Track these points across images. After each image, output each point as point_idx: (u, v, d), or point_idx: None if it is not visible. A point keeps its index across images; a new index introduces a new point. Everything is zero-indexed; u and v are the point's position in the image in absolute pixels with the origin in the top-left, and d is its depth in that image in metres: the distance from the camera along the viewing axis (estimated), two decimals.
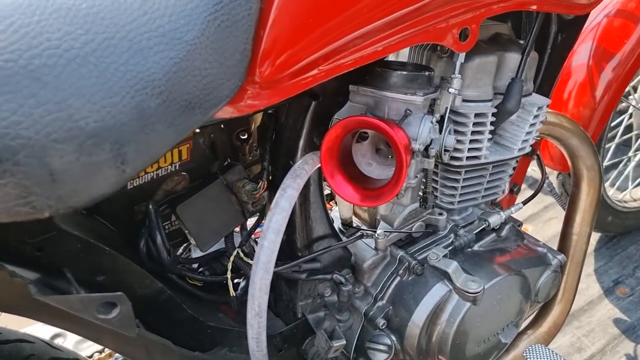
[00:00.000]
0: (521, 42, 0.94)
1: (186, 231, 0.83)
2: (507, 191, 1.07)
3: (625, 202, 1.65)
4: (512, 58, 0.89)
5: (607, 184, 1.66)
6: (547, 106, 0.96)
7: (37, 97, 0.43)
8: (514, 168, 1.04)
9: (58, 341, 1.16)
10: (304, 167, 0.70)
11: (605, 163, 1.58)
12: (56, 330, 1.44)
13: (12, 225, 0.48)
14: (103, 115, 0.46)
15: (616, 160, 1.63)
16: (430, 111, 0.80)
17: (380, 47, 0.66)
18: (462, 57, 0.78)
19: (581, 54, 1.27)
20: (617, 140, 1.57)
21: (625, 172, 1.70)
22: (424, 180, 0.85)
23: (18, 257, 0.60)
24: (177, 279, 0.84)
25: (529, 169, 1.25)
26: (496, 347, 0.95)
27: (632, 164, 1.71)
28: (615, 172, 1.69)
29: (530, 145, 0.99)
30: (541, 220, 1.74)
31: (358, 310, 0.90)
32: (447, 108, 0.81)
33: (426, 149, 0.78)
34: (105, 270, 0.67)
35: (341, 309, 0.87)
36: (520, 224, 1.03)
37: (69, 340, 1.29)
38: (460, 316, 0.85)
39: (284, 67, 0.59)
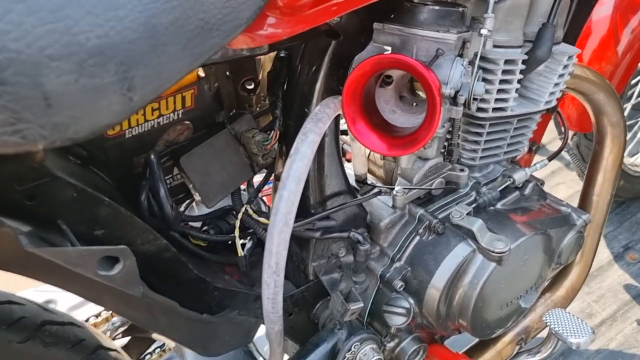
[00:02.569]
0: None
1: (190, 185, 0.76)
2: (526, 149, 1.01)
3: (637, 166, 1.61)
4: (544, 2, 0.82)
5: None
6: (576, 56, 0.89)
7: (29, 2, 0.36)
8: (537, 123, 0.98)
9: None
10: (325, 111, 0.63)
11: None
12: (47, 296, 1.37)
13: None
14: (107, 30, 0.39)
15: (630, 122, 1.58)
16: (461, 54, 0.73)
17: None
18: None
19: (605, 5, 1.20)
20: (632, 101, 1.51)
21: (639, 136, 1.65)
22: (449, 130, 0.78)
23: (6, 206, 0.52)
24: (180, 237, 0.77)
25: None
26: (516, 312, 0.90)
27: None
28: (629, 135, 1.64)
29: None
30: (548, 185, 1.70)
31: (373, 272, 0.84)
32: (476, 53, 0.74)
33: (454, 96, 0.71)
34: (105, 224, 0.60)
35: (357, 270, 0.81)
36: (543, 183, 0.97)
37: (60, 307, 1.23)
38: (484, 278, 0.79)
39: None
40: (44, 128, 0.37)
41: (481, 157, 0.90)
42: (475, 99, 0.76)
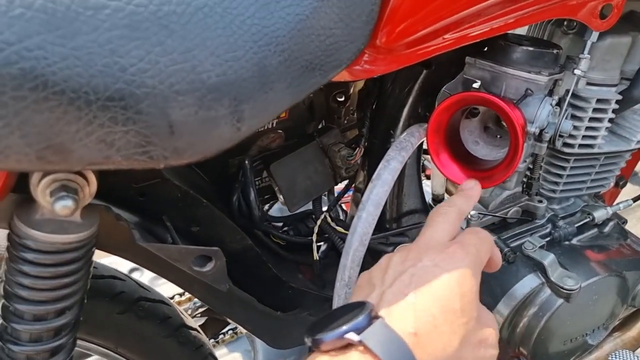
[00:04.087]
0: None
1: (277, 189, 0.83)
2: (612, 184, 0.99)
3: None
4: None
5: None
6: None
7: (164, 45, 0.42)
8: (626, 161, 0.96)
9: (135, 275, 1.20)
10: (409, 140, 0.66)
11: None
12: (134, 264, 1.51)
13: (120, 170, 0.49)
14: (225, 69, 0.45)
15: None
16: (550, 92, 0.74)
17: (509, 20, 0.61)
18: (595, 36, 0.71)
19: None
20: None
21: None
22: (530, 165, 0.79)
23: (122, 200, 0.61)
24: (262, 235, 0.84)
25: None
26: (581, 348, 0.90)
27: None
28: None
29: None
30: (635, 215, 1.63)
31: None
32: (568, 90, 0.74)
33: (540, 132, 0.73)
34: (201, 222, 0.67)
35: None
36: (625, 222, 0.95)
37: (146, 275, 1.34)
38: (550, 312, 0.80)
39: (406, 34, 0.55)
40: (166, 150, 0.44)
41: (562, 191, 0.89)
42: (561, 136, 0.76)
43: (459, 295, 0.47)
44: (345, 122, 0.93)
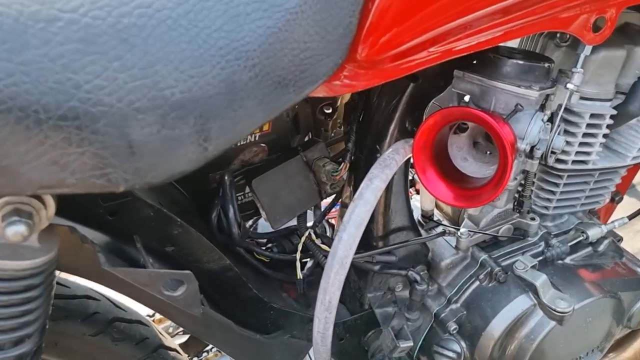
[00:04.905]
0: None
1: (259, 205, 0.80)
2: (607, 200, 0.96)
3: None
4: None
5: None
6: None
7: (123, 60, 0.39)
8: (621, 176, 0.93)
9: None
10: (394, 157, 0.64)
11: None
12: None
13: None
14: (190, 85, 0.42)
15: None
16: (542, 107, 0.71)
17: (499, 33, 0.58)
18: (588, 49, 0.68)
19: None
20: None
21: None
22: (522, 182, 0.76)
23: (90, 219, 0.58)
24: (244, 252, 0.81)
25: None
26: None
27: None
28: None
29: None
30: (633, 229, 1.60)
31: (429, 309, 0.84)
32: (560, 105, 0.72)
33: (531, 149, 0.70)
34: (175, 242, 0.64)
35: (412, 308, 0.81)
36: (621, 239, 0.93)
37: None
38: (542, 334, 0.77)
39: (389, 47, 0.52)
40: (126, 172, 0.41)
41: (555, 207, 0.87)
42: (554, 152, 0.74)
43: None
44: (332, 135, 0.90)
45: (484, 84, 0.66)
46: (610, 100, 0.78)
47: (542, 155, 0.72)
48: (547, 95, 0.71)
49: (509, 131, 0.63)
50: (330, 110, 0.89)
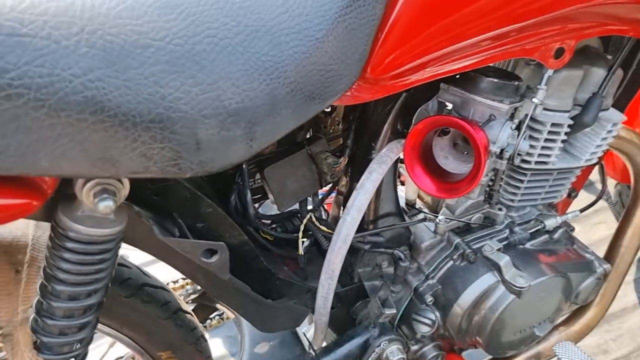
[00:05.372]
0: (609, 57, 0.96)
1: (268, 190, 0.92)
2: (565, 195, 1.12)
3: None
4: (597, 73, 0.92)
5: None
6: (621, 122, 0.99)
7: (196, 77, 0.52)
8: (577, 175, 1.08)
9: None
10: (389, 155, 0.77)
11: None
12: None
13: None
14: (243, 97, 0.55)
15: None
16: (511, 117, 0.85)
17: (479, 59, 0.71)
18: (550, 70, 0.82)
19: None
20: None
21: None
22: (492, 178, 0.91)
23: (139, 199, 0.70)
24: (253, 231, 0.94)
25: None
26: (530, 338, 1.03)
27: None
28: None
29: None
30: (590, 222, 1.77)
31: (409, 284, 0.99)
32: (527, 115, 0.86)
33: (501, 151, 0.84)
34: (205, 219, 0.76)
35: (396, 282, 0.95)
36: (573, 229, 1.08)
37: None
38: (502, 306, 0.92)
39: (392, 68, 0.65)
40: (193, 163, 0.54)
41: (519, 200, 1.01)
42: (520, 154, 0.88)
43: None
44: (331, 131, 1.03)
45: (464, 97, 0.80)
46: (568, 111, 0.93)
47: (510, 157, 0.86)
48: (516, 108, 0.86)
49: (483, 136, 0.77)
50: (329, 109, 1.01)
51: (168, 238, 0.65)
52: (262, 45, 0.55)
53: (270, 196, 0.93)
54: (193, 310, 1.15)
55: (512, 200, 1.02)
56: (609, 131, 0.97)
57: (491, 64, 0.87)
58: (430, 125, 0.76)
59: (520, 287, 0.90)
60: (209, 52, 0.53)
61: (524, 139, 0.87)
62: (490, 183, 0.92)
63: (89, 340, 0.66)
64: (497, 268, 0.93)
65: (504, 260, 0.92)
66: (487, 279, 0.93)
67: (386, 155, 0.77)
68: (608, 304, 1.17)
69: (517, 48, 0.73)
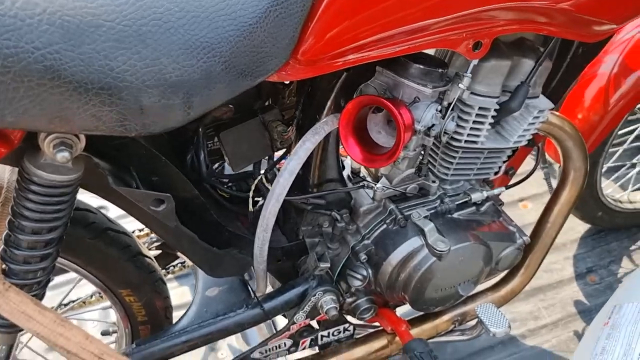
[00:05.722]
0: (541, 49, 1.06)
1: (224, 152, 1.03)
2: (501, 173, 1.23)
3: (620, 202, 1.79)
4: (527, 64, 1.02)
5: (606, 183, 1.79)
6: (550, 110, 1.10)
7: (141, 53, 0.62)
8: (509, 156, 1.19)
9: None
10: (323, 127, 0.88)
11: (610, 164, 1.70)
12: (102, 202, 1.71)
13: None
14: (182, 72, 0.65)
15: (621, 163, 1.76)
16: (440, 99, 0.96)
17: (403, 47, 0.81)
18: (475, 61, 0.92)
19: (606, 64, 1.37)
20: (625, 146, 1.69)
21: (628, 176, 1.83)
22: (422, 153, 1.02)
23: (101, 152, 0.81)
24: (210, 188, 1.05)
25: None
26: (453, 297, 1.16)
27: (636, 169, 1.84)
28: (618, 174, 1.83)
29: (530, 140, 1.14)
30: (542, 201, 1.90)
31: (347, 244, 1.10)
32: (454, 98, 0.96)
33: (428, 129, 0.95)
34: (159, 174, 0.88)
35: (332, 240, 1.07)
36: (502, 204, 1.20)
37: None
38: (425, 267, 1.04)
39: (321, 52, 0.75)
40: (137, 125, 0.65)
41: (452, 175, 1.12)
42: (447, 134, 0.99)
43: None
44: (287, 102, 1.13)
45: (395, 79, 0.90)
46: (497, 97, 1.03)
47: (437, 135, 0.97)
48: (444, 92, 0.96)
49: (407, 115, 0.88)
50: (288, 83, 1.11)
51: (121, 187, 0.76)
52: (201, 28, 0.66)
53: (226, 158, 1.04)
54: (157, 257, 1.28)
55: (445, 175, 1.13)
56: (536, 117, 1.07)
57: (423, 51, 0.98)
58: (359, 104, 0.87)
59: (440, 251, 1.02)
60: (154, 33, 0.63)
61: (452, 119, 0.98)
62: (420, 157, 1.03)
63: (50, 270, 0.78)
64: (422, 233, 1.05)
65: (428, 226, 1.04)
66: (413, 242, 1.05)
67: (321, 127, 0.88)
68: (532, 274, 1.30)
69: (439, 39, 0.83)
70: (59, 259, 0.91)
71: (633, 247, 1.85)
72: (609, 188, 1.80)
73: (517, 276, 1.30)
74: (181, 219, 0.90)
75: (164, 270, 1.34)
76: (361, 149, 0.91)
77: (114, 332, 1.25)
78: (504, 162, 1.20)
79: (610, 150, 1.56)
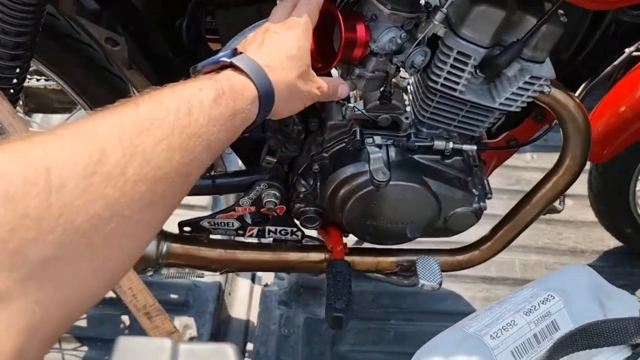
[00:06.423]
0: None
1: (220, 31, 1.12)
2: (500, 138, 1.19)
3: None
4: (529, 21, 0.96)
5: None
6: (547, 80, 1.02)
7: None
8: (510, 123, 1.15)
9: None
10: None
11: None
12: None
13: None
14: None
15: None
16: (409, 28, 0.94)
17: None
18: None
19: None
20: None
21: None
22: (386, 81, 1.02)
23: None
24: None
25: None
26: (395, 235, 1.18)
27: None
28: None
29: (540, 116, 1.12)
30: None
31: (310, 150, 1.16)
32: (426, 32, 0.94)
33: (392, 56, 0.95)
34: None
35: (289, 140, 1.13)
36: (477, 166, 1.16)
37: None
38: (362, 191, 1.07)
39: None
40: None
41: (429, 118, 1.11)
42: (414, 67, 0.98)
43: (296, 47, 0.73)
44: None
45: None
46: (484, 47, 0.98)
47: (402, 65, 0.97)
48: (414, 21, 0.94)
49: (362, 31, 0.89)
50: None
51: (81, 17, 0.89)
52: None
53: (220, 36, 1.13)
54: None
55: (422, 116, 1.12)
56: (529, 82, 1.01)
57: None
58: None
59: (378, 181, 1.04)
60: None
61: (421, 54, 0.97)
62: (385, 85, 1.03)
63: (24, 70, 0.94)
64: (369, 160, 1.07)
65: (376, 154, 1.06)
66: (360, 166, 1.08)
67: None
68: (496, 251, 1.25)
69: None
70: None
71: None
72: None
73: (479, 249, 1.26)
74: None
75: None
76: (315, 55, 0.94)
77: None
78: (493, 124, 1.15)
79: None
